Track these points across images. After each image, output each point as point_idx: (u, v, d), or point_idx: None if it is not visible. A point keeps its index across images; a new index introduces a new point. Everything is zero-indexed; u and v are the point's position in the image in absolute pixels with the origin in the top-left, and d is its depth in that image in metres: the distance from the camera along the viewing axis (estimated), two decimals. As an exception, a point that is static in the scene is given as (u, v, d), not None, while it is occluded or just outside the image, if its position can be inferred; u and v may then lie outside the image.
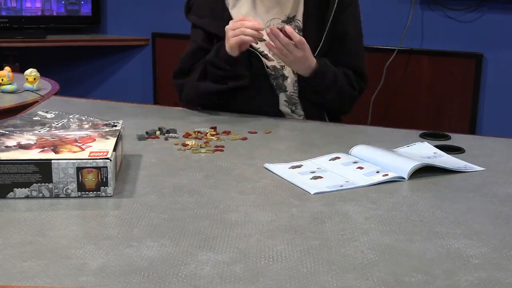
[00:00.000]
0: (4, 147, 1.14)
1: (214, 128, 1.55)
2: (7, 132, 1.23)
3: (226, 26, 1.63)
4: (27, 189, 1.08)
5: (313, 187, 1.17)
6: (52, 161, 1.08)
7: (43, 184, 1.08)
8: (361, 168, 1.27)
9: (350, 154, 1.35)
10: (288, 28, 1.59)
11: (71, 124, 1.31)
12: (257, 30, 1.59)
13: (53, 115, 1.37)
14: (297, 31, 1.68)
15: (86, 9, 3.67)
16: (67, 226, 0.98)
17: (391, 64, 2.99)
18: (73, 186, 1.09)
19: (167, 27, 3.59)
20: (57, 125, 1.29)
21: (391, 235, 0.97)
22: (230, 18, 1.73)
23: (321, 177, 1.22)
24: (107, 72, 3.88)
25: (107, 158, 1.09)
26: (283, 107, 1.77)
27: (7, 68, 2.32)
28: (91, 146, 1.16)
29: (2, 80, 2.28)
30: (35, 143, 1.16)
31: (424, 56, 3.02)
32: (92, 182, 1.09)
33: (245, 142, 1.48)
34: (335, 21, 1.72)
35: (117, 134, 1.24)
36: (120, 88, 3.85)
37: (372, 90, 2.96)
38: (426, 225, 1.01)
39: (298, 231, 0.98)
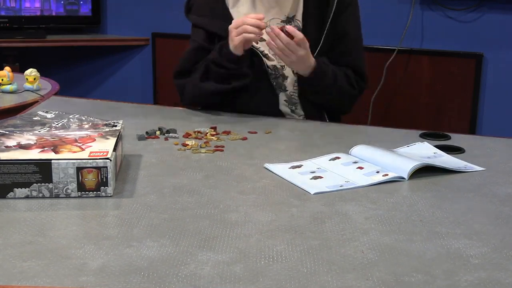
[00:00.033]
0: (4, 147, 1.14)
1: (214, 128, 1.55)
2: (7, 132, 1.23)
3: (230, 26, 1.63)
4: (27, 189, 1.08)
5: (313, 187, 1.17)
6: (52, 161, 1.08)
7: (43, 184, 1.08)
8: (361, 168, 1.27)
9: (350, 154, 1.35)
10: (290, 27, 1.59)
11: (71, 124, 1.31)
12: (259, 27, 1.59)
13: (53, 115, 1.37)
14: (296, 31, 1.68)
15: (85, 9, 3.67)
16: (67, 226, 0.98)
17: (391, 64, 2.99)
18: (73, 186, 1.09)
19: (167, 27, 3.59)
20: (57, 125, 1.29)
21: (391, 235, 0.97)
22: (230, 17, 1.73)
23: (321, 177, 1.22)
24: (107, 72, 3.88)
25: (107, 158, 1.09)
26: (283, 107, 1.77)
27: (7, 68, 2.32)
28: (91, 146, 1.16)
29: (2, 80, 2.28)
30: (35, 143, 1.16)
31: (424, 56, 3.02)
32: (92, 182, 1.09)
33: (245, 142, 1.48)
34: (334, 21, 1.72)
35: (117, 134, 1.24)
36: (120, 88, 3.85)
37: (372, 90, 2.96)
38: (426, 225, 1.01)
39: (298, 231, 0.98)
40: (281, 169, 1.27)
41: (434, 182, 1.22)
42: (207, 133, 1.52)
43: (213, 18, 1.75)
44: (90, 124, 1.32)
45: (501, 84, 2.94)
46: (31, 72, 2.32)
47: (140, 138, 1.47)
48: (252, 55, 1.70)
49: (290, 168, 1.28)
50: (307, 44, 1.61)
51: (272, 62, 1.74)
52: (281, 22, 1.73)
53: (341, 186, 1.18)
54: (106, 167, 1.08)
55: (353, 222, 1.02)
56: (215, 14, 1.75)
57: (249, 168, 1.29)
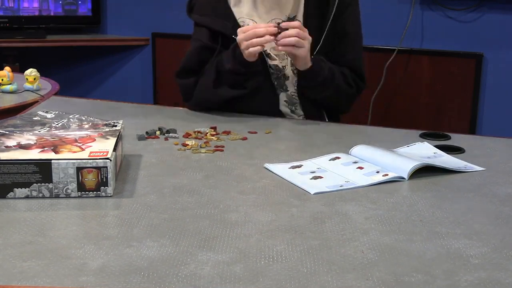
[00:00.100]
0: (4, 147, 1.14)
1: (214, 128, 1.55)
2: (7, 132, 1.23)
3: (238, 38, 1.61)
4: (27, 189, 1.08)
5: (313, 187, 1.17)
6: (52, 161, 1.08)
7: (43, 184, 1.08)
8: (361, 168, 1.27)
9: (350, 154, 1.35)
10: (284, 23, 1.59)
11: (71, 124, 1.31)
12: (269, 33, 1.57)
13: (53, 115, 1.37)
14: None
15: (83, 9, 3.67)
16: (67, 226, 0.98)
17: (391, 64, 2.99)
18: (73, 186, 1.09)
19: (167, 27, 3.59)
20: (57, 125, 1.29)
21: (391, 235, 0.97)
22: (233, 16, 1.73)
23: (321, 177, 1.22)
24: (107, 72, 3.88)
25: (107, 158, 1.09)
26: (283, 107, 1.77)
27: (7, 68, 2.32)
28: (91, 146, 1.16)
29: (2, 80, 2.28)
30: (35, 143, 1.16)
31: (424, 56, 3.02)
32: (92, 182, 1.09)
33: (245, 142, 1.48)
34: (335, 21, 1.72)
35: (117, 134, 1.24)
36: (120, 88, 3.85)
37: (372, 90, 2.97)
38: (426, 225, 1.01)
39: (298, 231, 0.98)
40: (281, 169, 1.27)
41: (434, 182, 1.22)
42: (207, 133, 1.52)
43: (215, 17, 1.75)
44: (90, 124, 1.32)
45: (501, 84, 2.94)
46: (31, 72, 2.32)
47: (140, 138, 1.47)
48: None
49: (290, 168, 1.28)
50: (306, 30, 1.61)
51: (274, 61, 1.74)
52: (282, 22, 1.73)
53: (341, 186, 1.18)
54: (106, 167, 1.08)
55: (353, 222, 1.02)
56: (217, 13, 1.75)
57: (249, 168, 1.29)
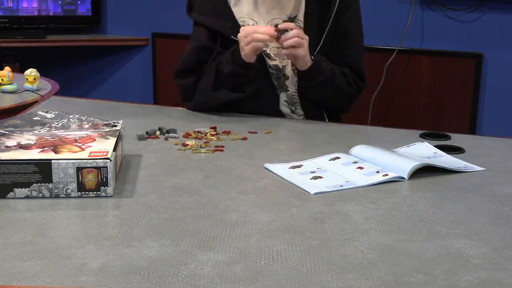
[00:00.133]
0: (4, 147, 1.14)
1: (214, 128, 1.55)
2: (7, 132, 1.23)
3: (239, 34, 1.62)
4: (27, 189, 1.08)
5: (313, 187, 1.17)
6: (52, 161, 1.08)
7: (43, 184, 1.08)
8: (361, 168, 1.27)
9: (350, 154, 1.35)
10: (282, 24, 1.60)
11: (71, 124, 1.31)
12: (269, 34, 1.58)
13: (53, 115, 1.37)
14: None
15: (82, 9, 3.67)
16: (67, 226, 0.98)
17: (391, 64, 2.99)
18: (73, 186, 1.09)
19: (167, 27, 3.59)
20: (57, 125, 1.29)
21: (391, 235, 0.97)
22: (232, 16, 1.73)
23: (321, 177, 1.22)
24: (107, 72, 3.88)
25: (107, 158, 1.09)
26: (283, 108, 1.77)
27: (7, 68, 2.32)
28: (91, 146, 1.16)
29: (2, 80, 2.28)
30: (35, 143, 1.16)
31: (424, 56, 3.02)
32: (92, 182, 1.09)
33: (245, 142, 1.48)
34: (336, 21, 1.72)
35: (117, 134, 1.24)
36: (120, 88, 3.85)
37: (372, 90, 2.97)
38: (426, 225, 1.01)
39: (298, 231, 0.98)
40: (281, 169, 1.27)
41: (434, 182, 1.22)
42: (207, 133, 1.52)
43: (215, 17, 1.75)
44: (90, 124, 1.32)
45: (501, 84, 2.94)
46: (31, 72, 2.32)
47: (140, 138, 1.47)
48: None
49: (290, 168, 1.28)
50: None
51: (274, 62, 1.74)
52: (283, 22, 1.73)
53: (341, 186, 1.18)
54: (106, 167, 1.08)
55: (353, 222, 1.02)
56: (217, 13, 1.75)
57: (249, 168, 1.29)
